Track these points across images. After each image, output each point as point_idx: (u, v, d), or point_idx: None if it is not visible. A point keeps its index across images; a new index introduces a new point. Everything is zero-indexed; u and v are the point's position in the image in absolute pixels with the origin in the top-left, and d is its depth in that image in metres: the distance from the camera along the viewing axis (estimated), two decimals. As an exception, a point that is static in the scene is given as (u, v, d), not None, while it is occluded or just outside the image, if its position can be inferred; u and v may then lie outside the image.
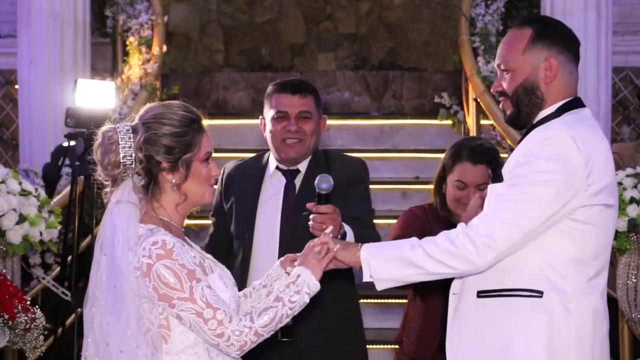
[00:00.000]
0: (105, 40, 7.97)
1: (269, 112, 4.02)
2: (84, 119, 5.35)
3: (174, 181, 2.89)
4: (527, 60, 3.05)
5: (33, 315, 4.11)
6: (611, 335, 5.12)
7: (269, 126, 4.02)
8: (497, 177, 3.02)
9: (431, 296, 4.02)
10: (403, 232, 4.02)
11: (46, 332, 4.24)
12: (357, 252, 3.01)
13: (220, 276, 2.93)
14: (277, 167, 4.03)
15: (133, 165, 2.85)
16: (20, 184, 4.64)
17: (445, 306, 3.16)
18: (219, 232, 4.10)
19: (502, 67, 3.11)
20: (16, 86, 7.90)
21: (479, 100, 7.14)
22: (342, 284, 3.88)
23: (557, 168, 2.88)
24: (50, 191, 6.15)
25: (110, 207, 2.88)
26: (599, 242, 2.98)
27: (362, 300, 4.29)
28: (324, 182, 3.41)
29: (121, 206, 2.85)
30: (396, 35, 9.65)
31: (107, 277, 2.82)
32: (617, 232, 4.54)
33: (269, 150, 4.10)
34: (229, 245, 4.03)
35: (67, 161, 6.21)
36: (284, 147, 3.97)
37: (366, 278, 3.00)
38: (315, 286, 2.89)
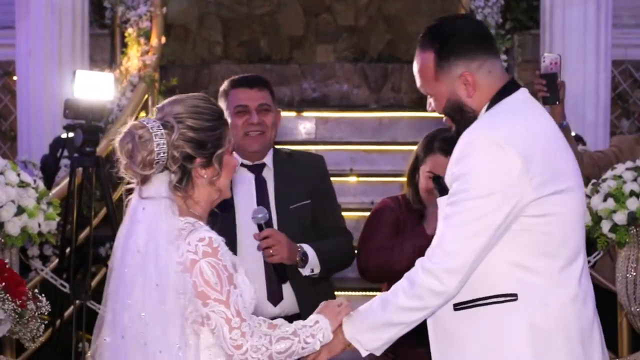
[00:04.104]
0: (103, 31, 7.94)
1: (227, 110, 4.02)
2: (82, 110, 5.34)
3: (205, 176, 2.86)
4: (442, 84, 2.99)
5: (40, 304, 4.10)
6: (611, 328, 5.14)
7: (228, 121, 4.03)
8: (443, 190, 2.93)
9: None
10: (376, 224, 4.07)
11: (46, 322, 4.23)
12: (340, 335, 3.00)
13: (245, 272, 2.92)
14: (241, 164, 4.04)
15: (166, 163, 2.81)
16: (18, 175, 4.63)
17: None
18: None
19: (422, 92, 3.07)
20: (14, 77, 7.89)
21: (478, 92, 7.11)
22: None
23: (492, 176, 2.80)
24: (49, 183, 6.14)
25: (142, 203, 2.82)
26: (564, 230, 2.89)
27: (337, 292, 4.31)
28: (258, 213, 3.78)
29: (158, 202, 2.80)
30: (395, 27, 9.64)
31: (145, 275, 2.76)
32: (616, 225, 4.53)
33: None
34: None
35: (65, 153, 6.20)
36: (246, 140, 4.02)
37: (364, 354, 3.00)
38: (329, 337, 2.93)
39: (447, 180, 2.92)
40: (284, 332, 2.86)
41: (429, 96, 3.06)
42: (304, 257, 3.88)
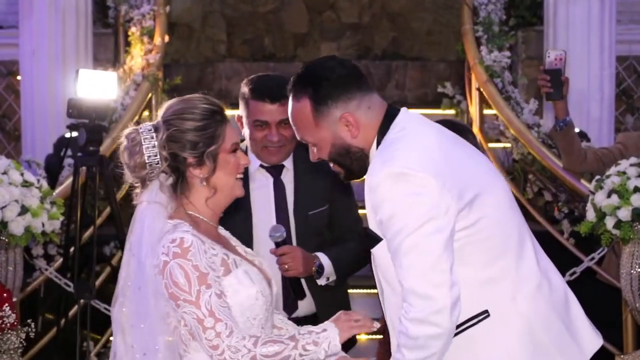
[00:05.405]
0: (107, 30, 7.95)
1: (246, 118, 3.91)
2: (86, 109, 5.34)
3: (201, 175, 2.86)
4: (323, 130, 2.90)
5: (2, 313, 4.06)
6: (615, 325, 5.12)
7: (247, 131, 3.93)
8: (374, 239, 2.85)
9: None
10: None
11: (24, 337, 4.20)
12: None
13: (245, 272, 2.87)
14: (260, 165, 3.97)
15: (159, 165, 2.83)
16: (22, 175, 4.63)
17: None
18: None
19: (304, 141, 2.99)
20: (18, 77, 7.89)
21: (481, 89, 7.12)
22: None
23: (416, 206, 2.72)
24: (53, 182, 6.14)
25: (140, 208, 2.86)
26: (500, 224, 2.83)
27: (350, 290, 4.30)
28: (275, 232, 3.76)
29: (149, 206, 2.84)
30: (399, 24, 9.63)
31: (133, 278, 2.81)
32: (620, 221, 4.52)
33: None
34: None
35: (69, 152, 6.20)
36: (265, 153, 3.92)
37: None
38: (336, 348, 2.80)
39: (373, 228, 2.85)
40: (277, 335, 2.81)
41: (310, 145, 2.98)
42: (320, 269, 3.85)
